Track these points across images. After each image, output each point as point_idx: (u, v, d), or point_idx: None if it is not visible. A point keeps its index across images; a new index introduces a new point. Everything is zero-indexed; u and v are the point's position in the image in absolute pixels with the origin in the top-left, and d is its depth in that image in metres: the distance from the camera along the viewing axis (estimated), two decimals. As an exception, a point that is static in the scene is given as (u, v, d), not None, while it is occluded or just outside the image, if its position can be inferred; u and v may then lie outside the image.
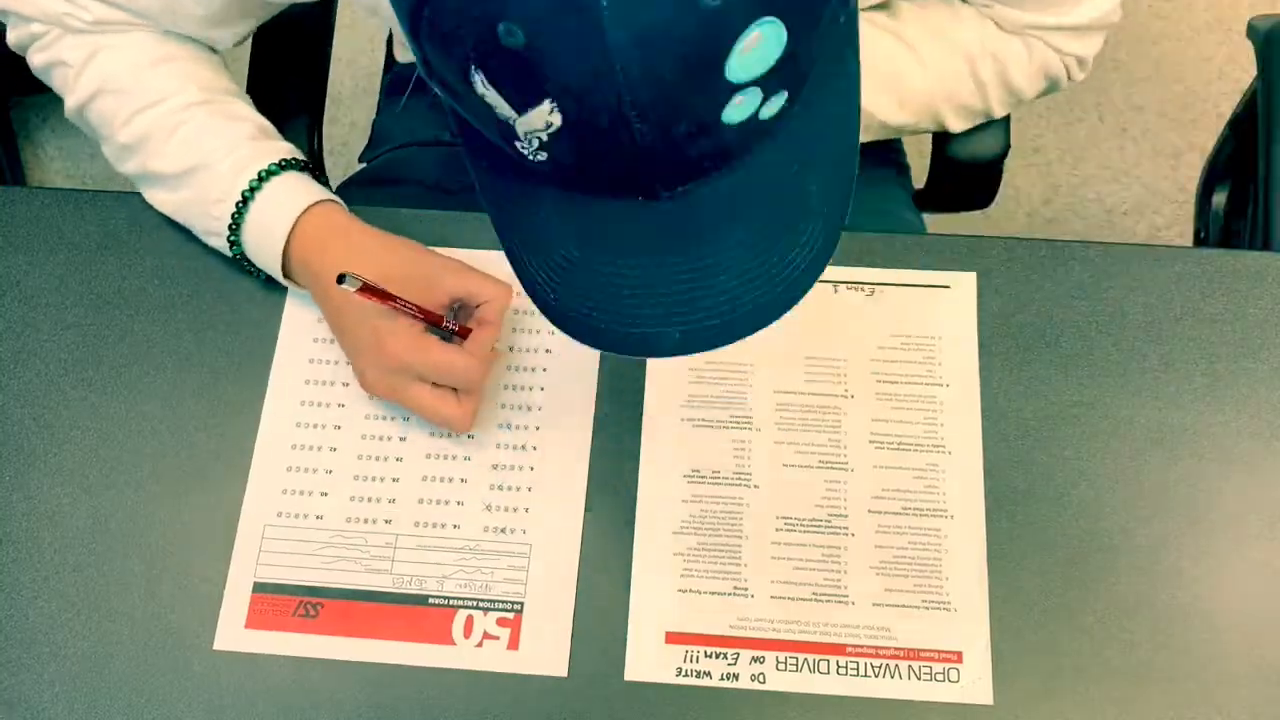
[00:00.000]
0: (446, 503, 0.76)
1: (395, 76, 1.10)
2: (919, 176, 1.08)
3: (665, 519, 0.76)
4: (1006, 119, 0.96)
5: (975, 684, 0.71)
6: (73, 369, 0.81)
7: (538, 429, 0.78)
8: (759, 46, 0.42)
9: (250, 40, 0.99)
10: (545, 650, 0.72)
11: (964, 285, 0.82)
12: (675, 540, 0.75)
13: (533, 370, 0.80)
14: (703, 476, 0.77)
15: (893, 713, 0.71)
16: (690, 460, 0.77)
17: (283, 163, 0.76)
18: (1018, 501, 0.76)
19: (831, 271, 0.82)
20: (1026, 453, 0.77)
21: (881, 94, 0.85)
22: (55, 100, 0.83)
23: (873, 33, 0.83)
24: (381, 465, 0.78)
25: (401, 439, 0.78)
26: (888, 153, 1.06)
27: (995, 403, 0.79)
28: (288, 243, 0.76)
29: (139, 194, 0.88)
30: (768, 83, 0.44)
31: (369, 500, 0.77)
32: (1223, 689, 0.72)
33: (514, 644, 0.73)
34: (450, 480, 0.77)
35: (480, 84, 0.44)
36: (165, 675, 0.73)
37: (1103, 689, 0.72)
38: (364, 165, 1.09)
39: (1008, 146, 0.97)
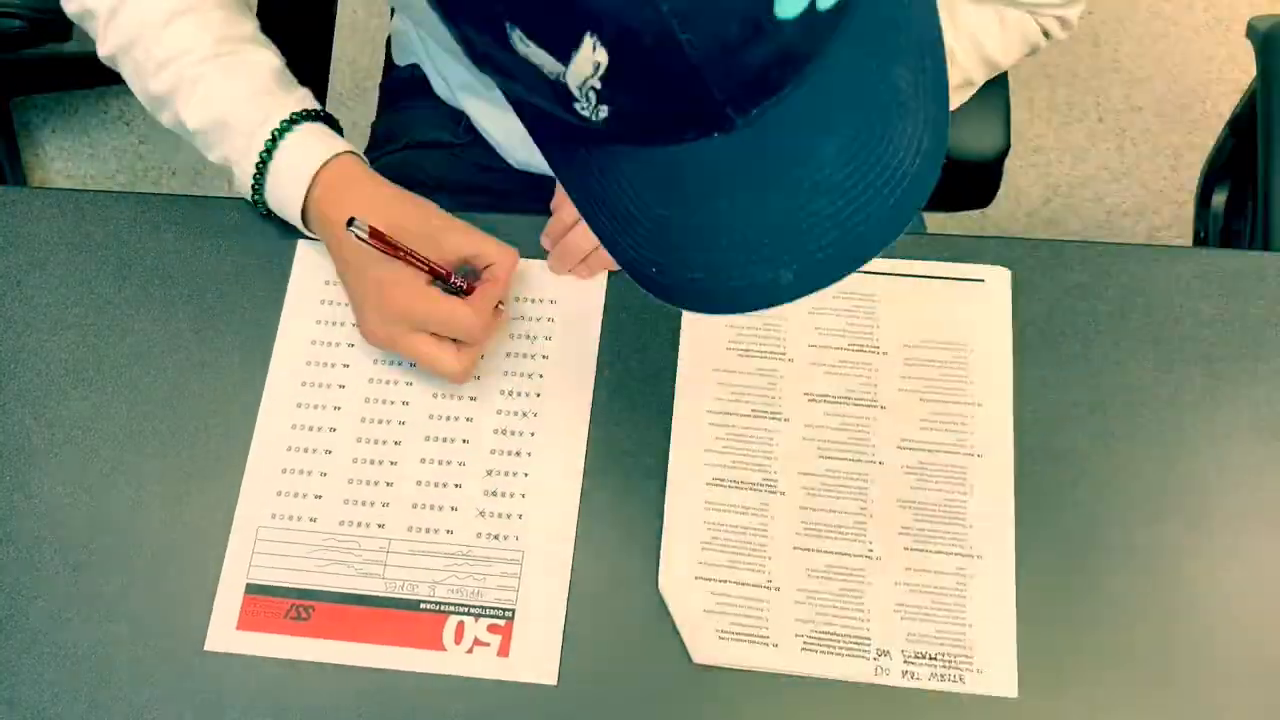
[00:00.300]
0: (440, 508, 0.76)
1: (394, 80, 1.10)
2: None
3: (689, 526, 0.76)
4: (1007, 119, 0.96)
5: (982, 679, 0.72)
6: (72, 369, 0.81)
7: (533, 435, 0.78)
8: None
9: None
10: (535, 658, 0.72)
11: (999, 280, 0.82)
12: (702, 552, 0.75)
13: (529, 376, 0.80)
14: (724, 481, 0.77)
15: (912, 706, 0.71)
16: (712, 467, 0.77)
17: (293, 117, 0.77)
18: (1017, 501, 0.76)
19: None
20: (1025, 453, 0.77)
21: None
22: (55, 100, 0.83)
23: None
24: (376, 469, 0.77)
25: (396, 443, 0.78)
26: None
27: (995, 403, 0.79)
28: (306, 197, 0.77)
29: (139, 194, 0.88)
30: None
31: (363, 504, 0.76)
32: (1223, 689, 0.72)
33: (504, 651, 0.72)
34: (444, 485, 0.77)
35: (520, 42, 0.42)
36: (159, 675, 0.72)
37: (1102, 688, 0.72)
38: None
39: (1008, 146, 0.98)
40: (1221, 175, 1.27)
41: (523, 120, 0.50)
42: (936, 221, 1.08)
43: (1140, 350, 0.80)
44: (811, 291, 0.46)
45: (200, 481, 0.77)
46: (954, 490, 0.76)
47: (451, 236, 0.76)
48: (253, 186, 0.78)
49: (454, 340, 0.75)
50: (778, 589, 0.74)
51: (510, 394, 0.79)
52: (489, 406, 0.78)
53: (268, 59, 0.80)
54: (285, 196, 0.78)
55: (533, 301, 0.82)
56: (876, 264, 0.82)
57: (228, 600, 0.74)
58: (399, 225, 0.74)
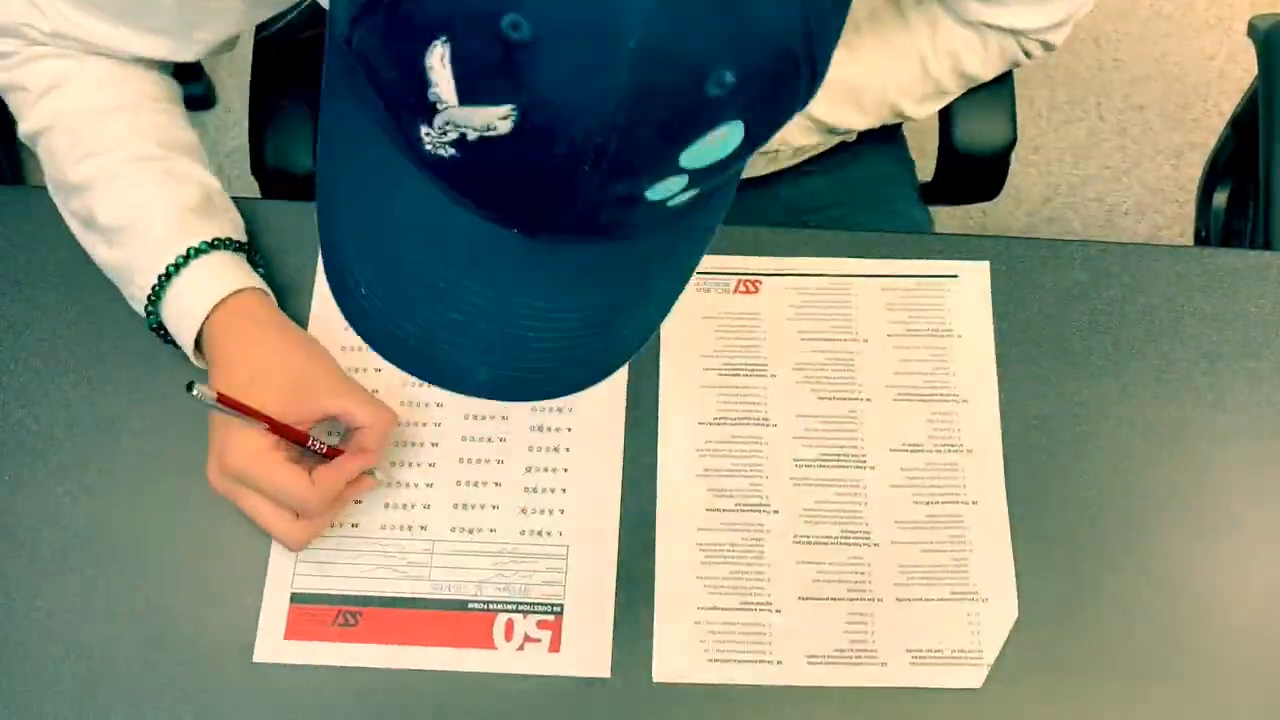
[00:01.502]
0: (482, 507, 0.77)
1: None
2: (925, 169, 1.08)
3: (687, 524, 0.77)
4: (1013, 111, 0.97)
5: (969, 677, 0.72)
6: (73, 369, 0.81)
7: (570, 430, 0.79)
8: (717, 143, 0.42)
9: (252, 45, 1.00)
10: (587, 651, 0.73)
11: (976, 275, 0.83)
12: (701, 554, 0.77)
13: None
14: (724, 492, 0.78)
15: (913, 706, 0.72)
16: (708, 482, 0.78)
17: (214, 242, 0.75)
18: (1016, 500, 0.76)
19: (842, 264, 0.84)
20: (1026, 452, 0.77)
21: (843, 106, 0.89)
22: (55, 100, 0.82)
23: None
24: (415, 471, 0.78)
25: (434, 444, 0.79)
26: (892, 148, 1.07)
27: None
28: (202, 327, 0.74)
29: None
30: (697, 176, 0.44)
31: (404, 507, 0.77)
32: (1223, 689, 0.72)
33: (555, 646, 0.73)
34: (484, 484, 0.78)
35: (438, 59, 0.40)
36: (206, 688, 0.73)
37: (1102, 688, 0.72)
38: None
39: (1014, 138, 0.98)
40: (1223, 174, 1.27)
41: (331, 65, 0.47)
42: (937, 221, 1.08)
43: (1140, 349, 0.80)
44: (495, 399, 0.50)
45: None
46: (951, 492, 0.76)
47: (320, 395, 0.73)
48: (149, 298, 0.74)
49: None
50: (778, 611, 0.74)
51: None
52: (524, 403, 0.79)
53: (202, 176, 0.78)
54: (181, 321, 0.74)
55: None
56: (858, 265, 0.84)
57: (274, 611, 0.75)
58: (265, 376, 0.71)
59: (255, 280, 0.76)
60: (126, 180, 0.75)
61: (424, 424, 0.79)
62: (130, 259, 0.75)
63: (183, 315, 0.74)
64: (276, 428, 0.71)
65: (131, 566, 0.76)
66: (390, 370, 0.78)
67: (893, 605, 0.74)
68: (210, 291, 0.74)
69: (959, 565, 0.75)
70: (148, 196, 0.74)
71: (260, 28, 1.06)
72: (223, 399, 0.69)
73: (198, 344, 0.75)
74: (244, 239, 0.78)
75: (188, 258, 0.73)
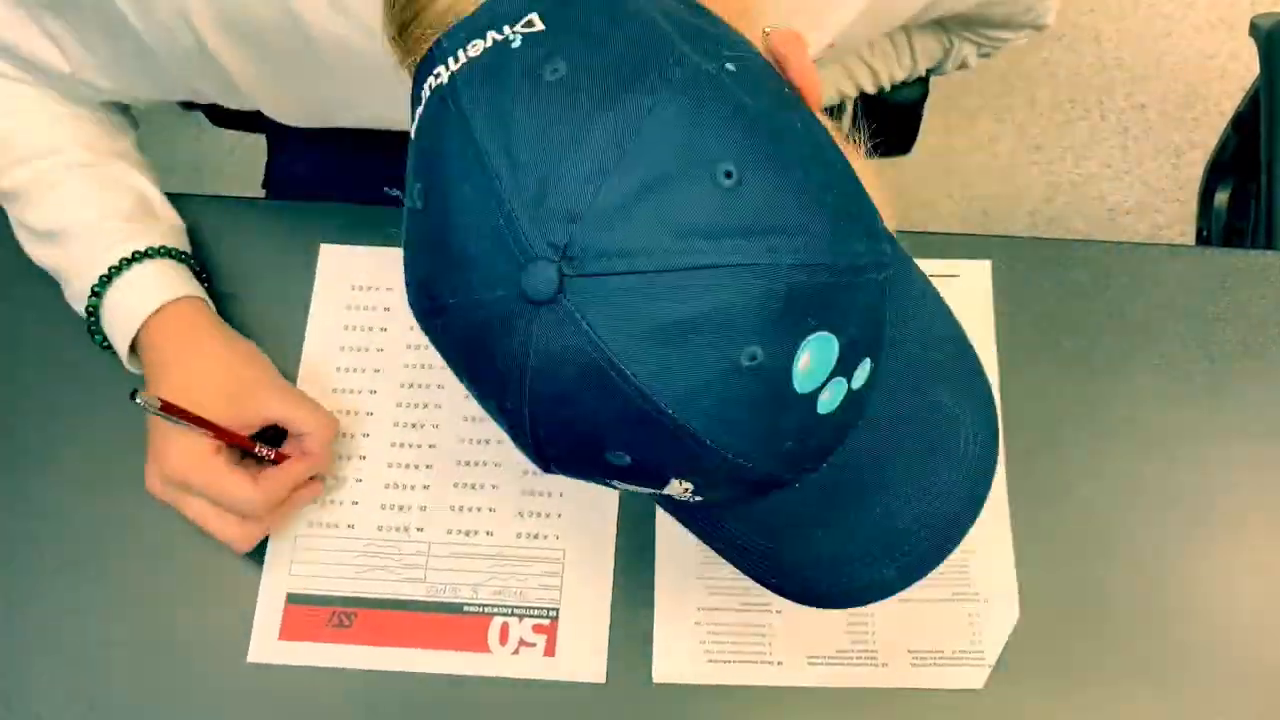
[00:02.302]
0: (478, 510, 0.77)
1: None
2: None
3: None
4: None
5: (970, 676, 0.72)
6: (72, 368, 0.81)
7: None
8: (814, 360, 0.43)
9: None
10: (582, 656, 0.73)
11: (977, 274, 0.83)
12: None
13: None
14: None
15: (914, 706, 0.73)
16: None
17: (148, 251, 0.75)
18: (1017, 501, 0.76)
19: None
20: (1026, 452, 0.77)
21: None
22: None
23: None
24: (412, 473, 0.78)
25: (431, 446, 0.79)
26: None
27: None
28: (138, 333, 0.74)
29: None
30: (841, 369, 0.44)
31: (400, 508, 0.77)
32: (1223, 689, 0.72)
33: (550, 650, 0.73)
34: (481, 487, 0.78)
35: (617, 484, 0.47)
36: (200, 688, 0.74)
37: (1102, 688, 0.72)
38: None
39: (926, 92, 1.01)
40: (1224, 173, 1.27)
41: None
42: (938, 220, 1.08)
43: (1141, 349, 0.80)
44: (916, 581, 0.51)
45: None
46: None
47: (264, 401, 0.73)
48: (88, 310, 0.75)
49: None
50: (778, 611, 0.74)
51: None
52: None
53: (136, 181, 0.78)
54: (118, 325, 0.74)
55: None
56: None
57: (269, 611, 0.75)
58: (206, 383, 0.72)
59: (195, 289, 0.76)
60: (62, 187, 0.75)
61: (420, 426, 0.79)
62: (70, 262, 0.75)
63: (119, 321, 0.74)
64: (221, 434, 0.70)
65: (127, 565, 0.76)
66: (383, 381, 0.80)
67: (893, 606, 0.74)
68: (149, 298, 0.74)
69: (959, 566, 0.75)
70: (83, 203, 0.75)
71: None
72: (167, 406, 0.68)
73: (134, 350, 0.75)
74: (186, 247, 0.78)
75: (130, 261, 0.73)
